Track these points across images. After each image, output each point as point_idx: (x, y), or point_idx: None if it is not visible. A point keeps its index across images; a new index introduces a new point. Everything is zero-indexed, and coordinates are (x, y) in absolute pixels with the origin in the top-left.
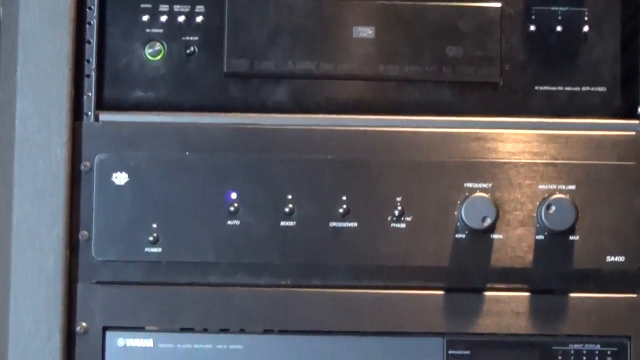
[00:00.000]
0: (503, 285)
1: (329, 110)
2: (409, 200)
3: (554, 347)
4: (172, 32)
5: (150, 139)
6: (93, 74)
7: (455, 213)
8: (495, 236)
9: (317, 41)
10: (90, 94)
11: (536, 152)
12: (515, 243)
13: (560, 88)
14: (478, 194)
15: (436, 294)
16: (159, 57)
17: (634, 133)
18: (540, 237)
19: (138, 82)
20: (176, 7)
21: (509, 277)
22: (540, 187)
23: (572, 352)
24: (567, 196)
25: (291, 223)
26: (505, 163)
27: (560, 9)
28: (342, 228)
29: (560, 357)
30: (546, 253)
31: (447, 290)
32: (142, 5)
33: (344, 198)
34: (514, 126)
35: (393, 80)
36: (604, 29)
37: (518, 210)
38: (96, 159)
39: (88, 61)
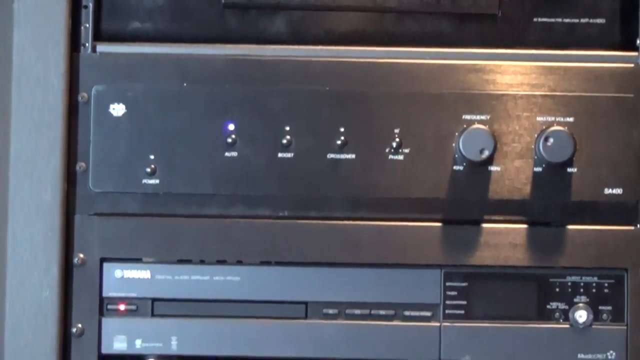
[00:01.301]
0: (501, 217)
1: (327, 41)
2: (407, 132)
3: (551, 279)
4: None
5: (148, 70)
6: (90, 4)
7: (453, 145)
8: (493, 168)
9: None
10: (87, 25)
11: (534, 84)
12: (513, 175)
13: (559, 20)
14: (476, 125)
15: (434, 226)
16: None
17: (632, 65)
18: (538, 169)
19: (136, 13)
20: None
21: (507, 209)
22: (539, 119)
23: (569, 284)
24: (565, 128)
25: (289, 155)
26: (503, 95)
27: None
28: (340, 160)
29: (557, 289)
30: (544, 185)
31: (445, 222)
32: None
33: (342, 130)
34: (512, 58)
35: (391, 12)
36: None
37: (516, 142)
38: (93, 91)
39: None
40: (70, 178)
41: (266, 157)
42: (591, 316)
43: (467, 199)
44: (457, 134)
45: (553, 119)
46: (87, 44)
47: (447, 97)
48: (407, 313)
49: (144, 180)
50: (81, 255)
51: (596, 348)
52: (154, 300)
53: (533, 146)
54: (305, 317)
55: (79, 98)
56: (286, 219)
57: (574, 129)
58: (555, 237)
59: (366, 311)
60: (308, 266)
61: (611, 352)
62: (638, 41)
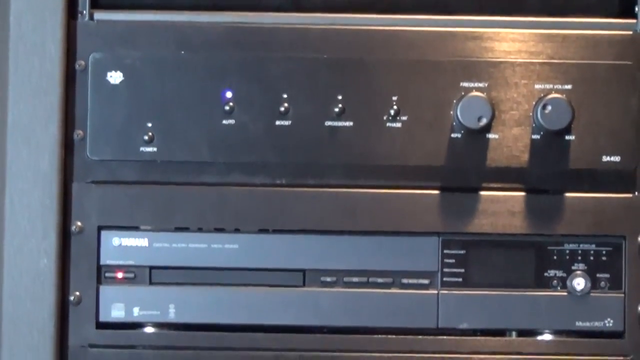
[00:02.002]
0: (498, 185)
1: (325, 9)
2: (405, 99)
3: (549, 247)
4: None
5: (146, 38)
6: None
7: (451, 112)
8: (491, 136)
9: None
10: None
11: (533, 51)
12: (511, 143)
13: None
14: (474, 93)
15: (432, 193)
16: None
17: (630, 32)
18: (536, 136)
19: None
20: None
21: (505, 176)
22: (537, 86)
23: (567, 251)
24: (563, 96)
25: (286, 122)
26: (501, 62)
27: None
28: (338, 127)
29: (555, 257)
30: (542, 153)
31: (443, 189)
32: None
33: (340, 97)
34: (510, 25)
35: None
36: None
37: (514, 110)
38: (91, 58)
39: None
40: (68, 146)
41: (264, 125)
42: (589, 284)
43: (465, 167)
44: (455, 101)
45: (551, 86)
46: (84, 12)
47: (445, 64)
48: (404, 281)
49: (142, 148)
50: (79, 223)
51: (594, 316)
52: (151, 268)
53: (531, 114)
54: (303, 285)
55: (77, 66)
56: (284, 187)
57: (572, 97)
58: (553, 205)
59: (364, 279)
60: (306, 234)
61: (609, 319)
62: (636, 8)
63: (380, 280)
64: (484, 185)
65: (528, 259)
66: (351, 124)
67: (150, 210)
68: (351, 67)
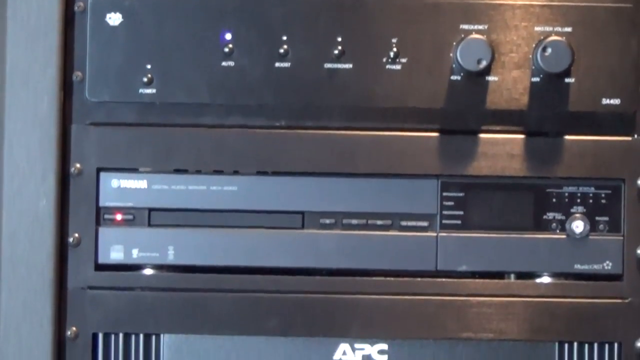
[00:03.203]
0: (498, 128)
1: None
2: (404, 41)
3: (548, 190)
4: None
5: None
6: None
7: (451, 55)
8: (490, 78)
9: None
10: None
11: None
12: (510, 85)
13: None
14: (473, 35)
15: (431, 135)
16: None
17: None
18: (536, 79)
19: None
20: None
21: (504, 119)
22: (536, 29)
23: (566, 194)
24: (563, 38)
25: (286, 64)
26: (501, 5)
27: None
28: (337, 69)
29: (554, 200)
30: (541, 95)
31: (442, 132)
32: None
33: (339, 39)
34: None
35: None
36: None
37: (514, 53)
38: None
39: None
40: (67, 88)
41: (263, 67)
42: (588, 227)
43: (464, 109)
44: (454, 43)
45: (551, 29)
46: None
47: (444, 6)
48: (403, 223)
49: (141, 90)
50: (78, 165)
51: (592, 258)
52: (150, 210)
53: (531, 56)
54: (302, 227)
55: (75, 7)
56: (283, 129)
57: (572, 39)
58: (553, 148)
59: (363, 221)
60: (305, 176)
61: (607, 262)
62: None
63: (379, 222)
64: (483, 127)
65: (527, 202)
66: (350, 66)
67: (149, 152)
68: (351, 9)
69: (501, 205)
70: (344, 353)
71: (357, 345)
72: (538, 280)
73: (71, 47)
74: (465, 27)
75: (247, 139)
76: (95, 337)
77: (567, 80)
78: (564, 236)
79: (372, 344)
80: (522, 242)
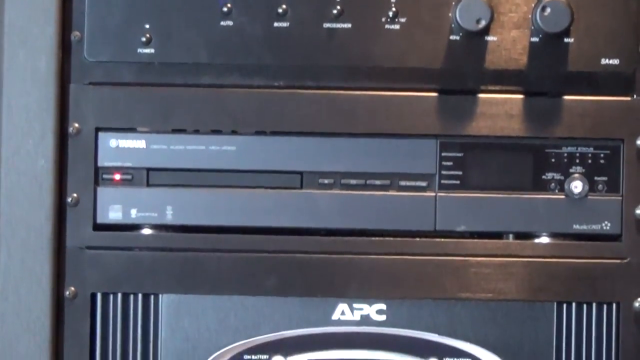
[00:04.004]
0: (497, 88)
1: None
2: (403, 1)
3: (547, 150)
4: None
5: None
6: None
7: (450, 14)
8: (489, 38)
9: None
10: None
11: None
12: (509, 45)
13: None
14: None
15: (430, 95)
16: None
17: None
18: (535, 39)
19: None
20: None
21: (503, 79)
22: None
23: (565, 154)
24: None
25: (285, 24)
26: None
27: None
28: (336, 29)
29: (553, 160)
30: (540, 55)
31: (441, 92)
32: None
33: None
34: None
35: None
36: None
37: (513, 12)
38: None
39: None
40: (65, 47)
41: (262, 27)
42: (587, 187)
43: (463, 69)
44: (453, 3)
45: None
46: None
47: None
48: (402, 183)
49: (139, 50)
50: (76, 125)
51: (591, 219)
52: (149, 170)
53: (530, 16)
54: (301, 187)
55: None
56: (282, 89)
57: None
58: (552, 108)
59: (361, 181)
60: (303, 136)
61: (606, 222)
62: None
63: (378, 182)
64: (482, 87)
65: (526, 162)
66: (349, 25)
67: (148, 112)
68: None
69: (500, 165)
70: (343, 313)
71: (355, 305)
72: (537, 241)
73: (69, 7)
74: None
75: (246, 99)
76: (93, 296)
77: (566, 40)
78: (562, 196)
79: (370, 304)
80: (520, 203)
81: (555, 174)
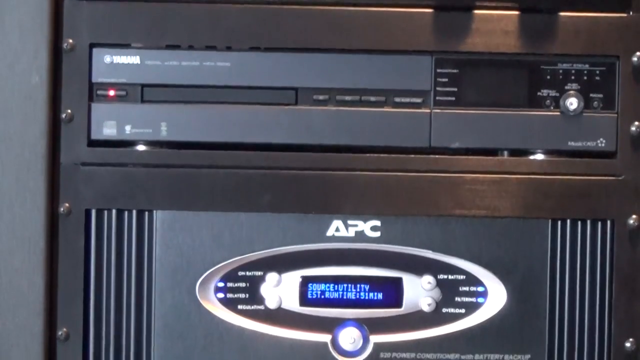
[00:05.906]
0: (492, 4)
1: None
2: None
3: (542, 66)
4: None
5: None
6: None
7: None
8: None
9: None
10: None
11: None
12: None
13: None
14: None
15: (425, 12)
16: None
17: None
18: None
19: None
20: None
21: None
22: None
23: (561, 71)
24: None
25: None
26: None
27: None
28: None
29: (548, 77)
30: None
31: (437, 8)
32: None
33: None
34: None
35: None
36: None
37: None
38: None
39: None
40: None
41: None
42: (582, 103)
43: None
44: None
45: None
46: None
47: None
48: (397, 99)
49: None
50: (70, 41)
51: (586, 135)
52: (143, 86)
53: None
54: (296, 103)
55: None
56: (276, 4)
57: None
58: (548, 24)
59: (356, 97)
60: (298, 52)
61: (601, 139)
62: None
63: (372, 98)
64: (478, 3)
65: (521, 79)
66: None
67: (142, 28)
68: None
69: (495, 82)
70: (337, 229)
71: (350, 222)
72: (531, 157)
73: None
74: None
75: (241, 14)
76: (88, 213)
77: None
78: (557, 113)
79: (365, 220)
80: (515, 119)
81: (550, 91)
